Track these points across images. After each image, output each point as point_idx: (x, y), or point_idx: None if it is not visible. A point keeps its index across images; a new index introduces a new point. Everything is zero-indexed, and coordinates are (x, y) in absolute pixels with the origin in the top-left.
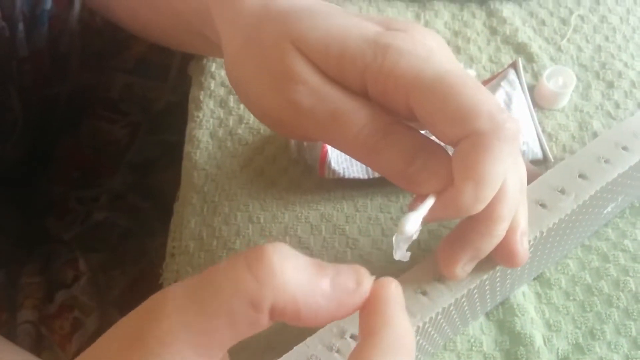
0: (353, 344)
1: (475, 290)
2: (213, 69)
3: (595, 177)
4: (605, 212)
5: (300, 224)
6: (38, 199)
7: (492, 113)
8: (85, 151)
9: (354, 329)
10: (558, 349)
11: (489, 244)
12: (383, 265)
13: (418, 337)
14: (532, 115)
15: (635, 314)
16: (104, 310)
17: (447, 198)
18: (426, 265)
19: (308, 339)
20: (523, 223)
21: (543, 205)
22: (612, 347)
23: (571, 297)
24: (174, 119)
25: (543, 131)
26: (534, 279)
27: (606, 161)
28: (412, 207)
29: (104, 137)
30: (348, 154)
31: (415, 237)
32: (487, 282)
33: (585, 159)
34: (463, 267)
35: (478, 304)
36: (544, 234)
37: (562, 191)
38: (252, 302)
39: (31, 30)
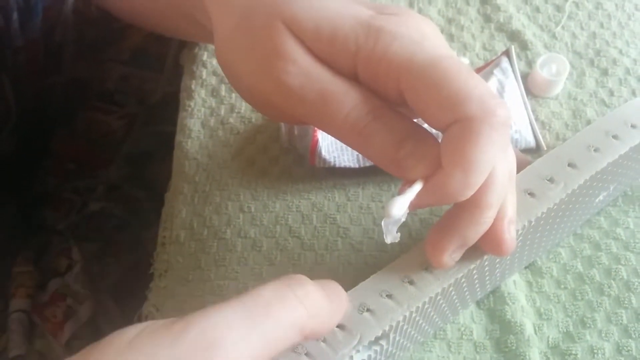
0: (340, 333)
1: (464, 280)
2: (205, 57)
3: (584, 166)
4: (597, 200)
5: (291, 213)
6: (33, 191)
7: (483, 98)
8: (81, 143)
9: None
10: (548, 337)
11: (476, 232)
12: (374, 254)
13: (406, 327)
14: (525, 103)
15: (626, 302)
16: (97, 299)
17: (435, 183)
18: (414, 254)
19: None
20: (511, 212)
21: (532, 194)
22: (603, 335)
23: (562, 286)
24: (170, 110)
25: (536, 119)
26: (525, 267)
27: (596, 150)
28: (400, 192)
29: (100, 128)
30: (337, 137)
31: (403, 219)
32: (475, 272)
33: (575, 148)
34: (451, 255)
35: (467, 293)
36: (533, 223)
37: (551, 180)
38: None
39: (25, 21)
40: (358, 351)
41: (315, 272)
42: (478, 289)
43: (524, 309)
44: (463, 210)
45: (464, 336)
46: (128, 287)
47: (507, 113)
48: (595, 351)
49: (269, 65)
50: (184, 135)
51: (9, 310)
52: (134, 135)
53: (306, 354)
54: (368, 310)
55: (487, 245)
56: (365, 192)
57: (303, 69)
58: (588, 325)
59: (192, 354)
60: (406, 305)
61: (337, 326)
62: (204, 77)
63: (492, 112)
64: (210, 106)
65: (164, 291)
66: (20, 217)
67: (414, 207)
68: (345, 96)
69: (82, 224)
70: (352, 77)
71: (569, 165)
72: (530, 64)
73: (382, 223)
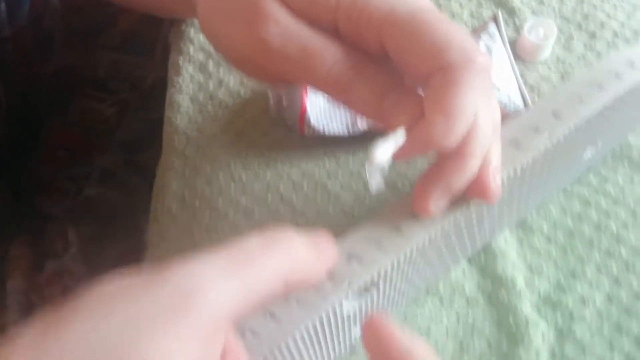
0: (328, 281)
1: (451, 231)
2: (192, 34)
3: (569, 116)
4: (585, 156)
5: (282, 181)
6: (27, 179)
7: (463, 46)
8: (74, 131)
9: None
10: (539, 289)
11: (461, 180)
12: (365, 219)
13: (396, 277)
14: (513, 67)
15: (616, 254)
16: (95, 278)
17: (418, 130)
18: (402, 204)
19: None
20: (495, 160)
21: (516, 145)
22: (594, 285)
23: (553, 241)
24: (162, 95)
25: (525, 84)
26: (516, 225)
27: (580, 100)
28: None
29: (93, 116)
30: (322, 92)
31: (387, 166)
32: (462, 223)
33: (560, 98)
34: (435, 202)
35: (457, 247)
36: (518, 172)
37: (536, 130)
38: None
39: (13, 10)
40: (347, 298)
41: None
42: (468, 244)
43: (515, 264)
44: (448, 159)
45: (456, 291)
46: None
47: (487, 60)
48: (586, 301)
49: (251, 26)
50: (173, 111)
51: (7, 290)
52: (126, 121)
53: (296, 301)
54: (356, 258)
55: (473, 192)
56: (356, 159)
57: (284, 28)
58: (578, 276)
59: (174, 299)
60: (394, 253)
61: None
62: (191, 53)
63: (472, 59)
64: (199, 81)
65: (157, 262)
66: (15, 205)
67: (398, 156)
68: (327, 52)
69: (77, 208)
70: (333, 32)
71: (554, 115)
72: (518, 30)
73: (366, 170)
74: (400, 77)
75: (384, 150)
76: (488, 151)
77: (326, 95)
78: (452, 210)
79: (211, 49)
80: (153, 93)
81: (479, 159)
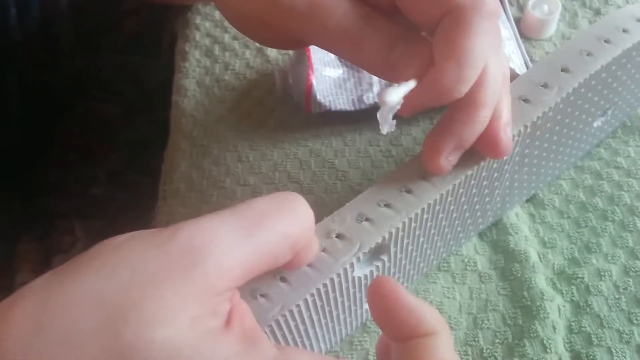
0: (339, 243)
1: (461, 190)
2: (198, 21)
3: (578, 70)
4: (595, 125)
5: (289, 160)
6: (38, 181)
7: None
8: (81, 132)
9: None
10: (554, 264)
11: (472, 132)
12: None
13: (407, 240)
14: (519, 44)
15: (631, 225)
16: None
17: (429, 79)
18: (412, 165)
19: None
20: (506, 114)
21: (526, 100)
22: (609, 258)
23: (565, 215)
24: (167, 95)
25: (531, 60)
26: (527, 200)
27: (589, 54)
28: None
29: (99, 117)
30: (330, 48)
31: (398, 107)
32: (473, 183)
33: (568, 54)
34: (447, 158)
35: (467, 215)
36: (528, 128)
37: (545, 85)
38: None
39: (23, 15)
40: (359, 260)
41: (315, 215)
42: (479, 214)
43: (528, 239)
44: (458, 111)
45: (468, 267)
46: None
47: (496, 4)
48: (602, 274)
49: None
50: (180, 95)
51: (15, 283)
52: (132, 122)
53: (307, 264)
54: (367, 219)
55: (484, 146)
56: (362, 137)
57: None
58: (593, 250)
59: (181, 257)
60: (405, 213)
61: (337, 236)
62: (197, 39)
63: (481, 1)
64: (205, 66)
65: None
66: (24, 204)
67: (409, 109)
68: (336, 3)
69: (84, 206)
70: None
71: (562, 70)
72: (522, 8)
73: (378, 114)
74: (409, 28)
75: (396, 93)
76: (498, 104)
77: (335, 50)
78: (463, 169)
79: (217, 34)
80: (158, 94)
81: (490, 110)
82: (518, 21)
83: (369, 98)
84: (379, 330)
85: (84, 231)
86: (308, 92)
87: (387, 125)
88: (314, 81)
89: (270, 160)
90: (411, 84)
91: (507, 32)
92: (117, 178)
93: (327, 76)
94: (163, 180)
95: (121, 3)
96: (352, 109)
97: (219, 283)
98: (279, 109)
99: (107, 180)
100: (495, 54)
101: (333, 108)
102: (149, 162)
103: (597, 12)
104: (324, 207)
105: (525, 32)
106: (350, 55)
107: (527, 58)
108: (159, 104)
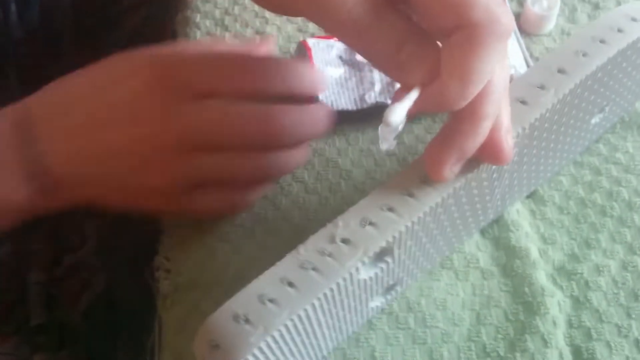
0: (344, 247)
1: (463, 194)
2: (198, 19)
3: (574, 71)
4: (593, 122)
5: None
6: None
7: (489, 4)
8: None
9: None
10: (554, 259)
11: (474, 143)
12: None
13: (410, 242)
14: (518, 40)
15: (629, 221)
16: (112, 269)
17: (432, 91)
18: (413, 170)
19: (300, 246)
20: (506, 121)
21: (524, 102)
22: (608, 254)
23: (565, 211)
24: None
25: (531, 56)
26: (527, 197)
27: (584, 55)
28: (396, 98)
29: None
30: (339, 36)
31: (400, 128)
32: (474, 185)
33: (564, 55)
34: (450, 169)
35: (469, 214)
36: (527, 130)
37: (542, 87)
38: None
39: (23, 11)
40: (364, 263)
41: (320, 213)
42: (480, 212)
43: (528, 235)
44: (461, 121)
45: (470, 264)
46: (142, 258)
47: (511, 22)
48: (601, 269)
49: None
50: None
51: (27, 283)
52: None
53: (313, 269)
54: (370, 223)
55: (486, 156)
56: (365, 136)
57: None
58: (592, 245)
59: None
60: (407, 216)
61: (342, 241)
62: (197, 37)
63: (497, 20)
64: None
65: (175, 240)
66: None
67: (409, 113)
68: None
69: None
70: None
71: (559, 71)
72: (521, 4)
73: (379, 130)
74: (421, 27)
75: (400, 112)
76: (499, 111)
77: (343, 39)
78: (463, 172)
79: (218, 32)
80: None
81: (491, 121)
82: (517, 17)
83: (371, 97)
84: (384, 327)
85: (94, 230)
86: None
87: (387, 144)
88: None
89: None
90: (414, 96)
91: None
92: None
93: (329, 75)
94: None
95: None
96: (354, 108)
97: None
98: None
99: None
100: (501, 65)
101: (335, 107)
102: None
103: (596, 7)
104: (327, 207)
105: (525, 28)
106: (358, 47)
107: (527, 54)
108: None
